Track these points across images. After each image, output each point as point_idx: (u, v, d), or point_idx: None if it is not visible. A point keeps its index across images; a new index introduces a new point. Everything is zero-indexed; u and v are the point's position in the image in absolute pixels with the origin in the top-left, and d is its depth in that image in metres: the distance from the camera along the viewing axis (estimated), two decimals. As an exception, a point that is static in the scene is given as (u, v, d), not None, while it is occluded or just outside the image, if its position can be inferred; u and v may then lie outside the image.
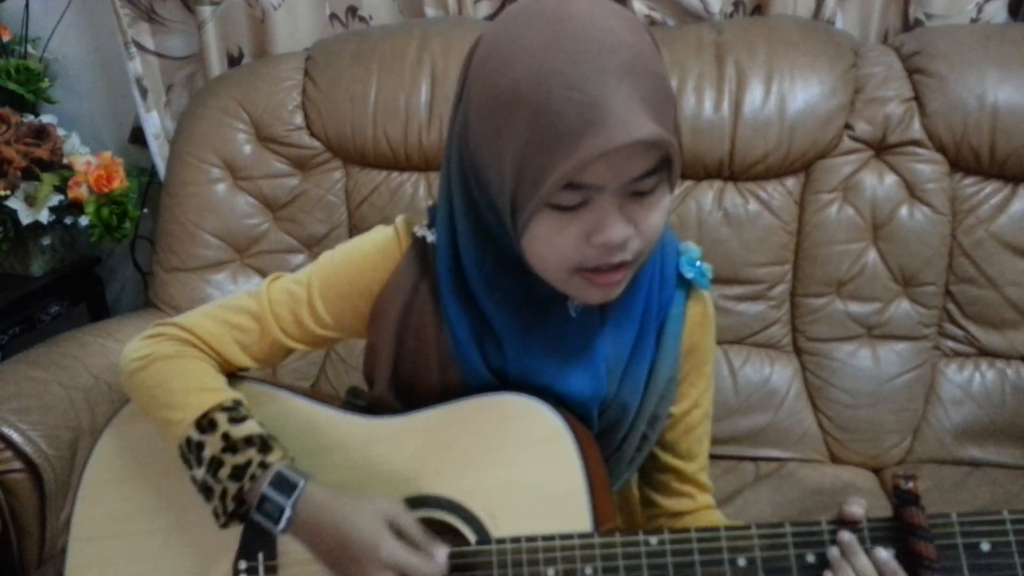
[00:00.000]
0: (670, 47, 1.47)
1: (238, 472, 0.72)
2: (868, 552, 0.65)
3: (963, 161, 1.38)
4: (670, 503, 0.88)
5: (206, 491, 0.74)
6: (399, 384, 0.83)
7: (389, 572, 0.68)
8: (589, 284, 0.69)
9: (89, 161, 1.62)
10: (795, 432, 1.38)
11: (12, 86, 1.65)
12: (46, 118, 1.67)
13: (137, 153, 1.79)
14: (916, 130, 1.39)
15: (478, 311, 0.77)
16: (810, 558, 0.67)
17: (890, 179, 1.39)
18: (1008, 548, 0.62)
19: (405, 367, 0.82)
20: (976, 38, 1.41)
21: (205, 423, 0.75)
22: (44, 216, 1.59)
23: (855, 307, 1.40)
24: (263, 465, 0.72)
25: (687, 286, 0.83)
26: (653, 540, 0.70)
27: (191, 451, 0.75)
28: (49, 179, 1.60)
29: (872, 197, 1.39)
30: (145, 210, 1.75)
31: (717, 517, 0.88)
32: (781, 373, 1.41)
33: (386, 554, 0.68)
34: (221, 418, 0.75)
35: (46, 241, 1.65)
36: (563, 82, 0.61)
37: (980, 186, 1.38)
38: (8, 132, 1.59)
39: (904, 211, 1.38)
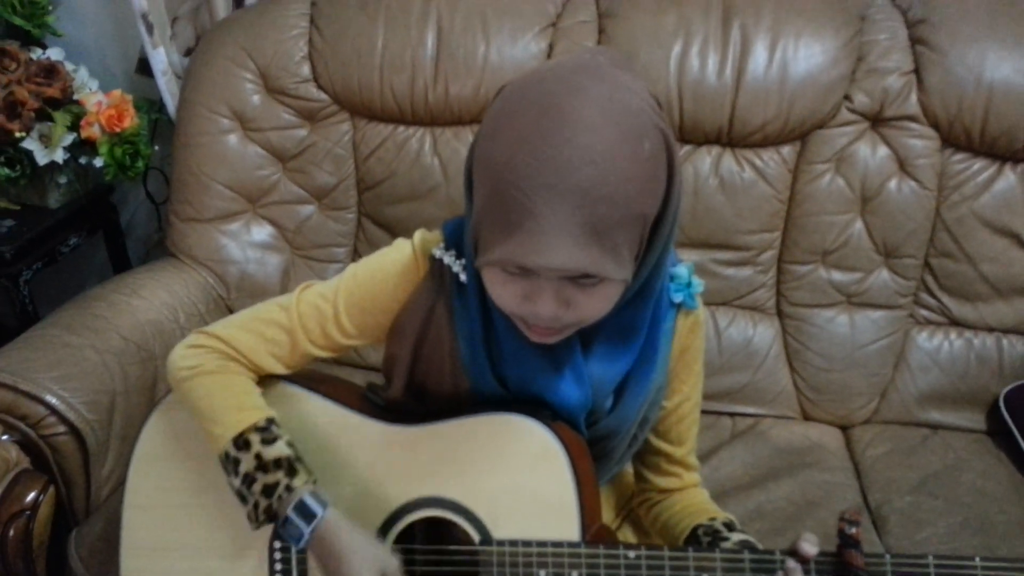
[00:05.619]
0: (679, 5, 1.47)
1: (268, 490, 0.83)
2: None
3: (955, 138, 1.42)
4: (659, 481, 0.99)
5: (241, 498, 0.85)
6: (414, 387, 0.93)
7: None
8: (528, 330, 0.77)
9: (100, 101, 1.64)
10: (771, 391, 1.49)
11: (18, 21, 1.65)
12: (53, 52, 1.67)
13: (145, 84, 1.80)
14: (912, 104, 1.41)
15: (491, 327, 0.85)
16: (763, 581, 0.78)
17: (882, 152, 1.43)
18: (928, 587, 0.74)
19: (420, 373, 0.91)
20: (983, 10, 1.41)
21: (241, 442, 0.85)
22: (59, 156, 1.63)
23: (837, 275, 1.47)
24: (289, 488, 0.83)
25: (678, 305, 0.90)
26: (631, 554, 0.81)
27: (229, 463, 0.85)
28: (62, 119, 1.63)
29: (864, 169, 1.43)
30: (156, 147, 1.78)
31: (702, 496, 0.99)
32: (763, 335, 1.50)
33: None
34: (255, 439, 0.84)
35: (62, 179, 1.70)
36: (518, 180, 0.65)
37: (968, 163, 1.42)
38: (18, 71, 1.61)
39: (893, 184, 1.43)
